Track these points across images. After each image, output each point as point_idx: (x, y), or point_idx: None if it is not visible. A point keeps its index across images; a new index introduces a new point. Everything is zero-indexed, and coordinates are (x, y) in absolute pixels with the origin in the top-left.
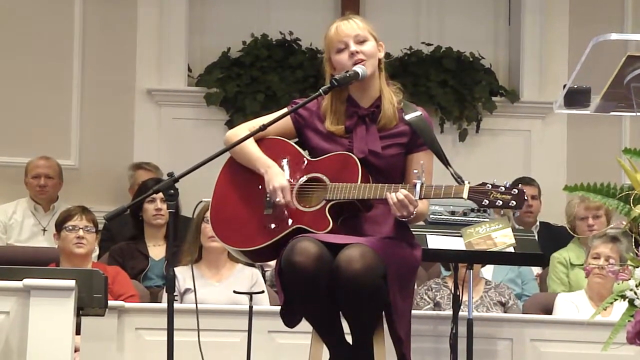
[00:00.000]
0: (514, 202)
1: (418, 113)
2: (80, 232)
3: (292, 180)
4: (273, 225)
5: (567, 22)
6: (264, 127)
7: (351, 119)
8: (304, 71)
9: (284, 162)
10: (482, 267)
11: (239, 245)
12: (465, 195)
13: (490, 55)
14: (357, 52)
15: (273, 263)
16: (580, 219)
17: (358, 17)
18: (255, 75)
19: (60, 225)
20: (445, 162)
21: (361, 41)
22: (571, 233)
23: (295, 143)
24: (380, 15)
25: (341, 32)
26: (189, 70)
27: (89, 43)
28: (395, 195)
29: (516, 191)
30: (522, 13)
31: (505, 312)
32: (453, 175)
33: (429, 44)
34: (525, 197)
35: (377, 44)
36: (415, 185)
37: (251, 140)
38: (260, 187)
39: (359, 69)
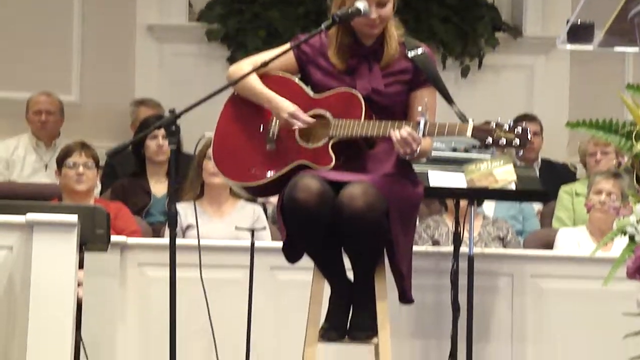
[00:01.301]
0: (518, 141)
1: (421, 50)
2: (80, 169)
3: None
4: (275, 161)
5: None
6: (265, 64)
7: (354, 56)
8: (305, 7)
9: (286, 98)
10: (480, 204)
11: (241, 180)
12: (469, 133)
13: None
14: (375, 20)
15: (275, 199)
16: (590, 155)
17: None
18: (256, 12)
19: (60, 162)
20: (449, 100)
21: (384, 3)
22: (571, 169)
23: (298, 79)
24: None
25: None
26: (190, 5)
27: None
28: (399, 132)
29: (520, 130)
30: None
31: (503, 247)
32: (456, 113)
33: None
34: (529, 137)
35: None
36: (419, 122)
37: (255, 77)
38: (262, 122)
39: (360, 5)
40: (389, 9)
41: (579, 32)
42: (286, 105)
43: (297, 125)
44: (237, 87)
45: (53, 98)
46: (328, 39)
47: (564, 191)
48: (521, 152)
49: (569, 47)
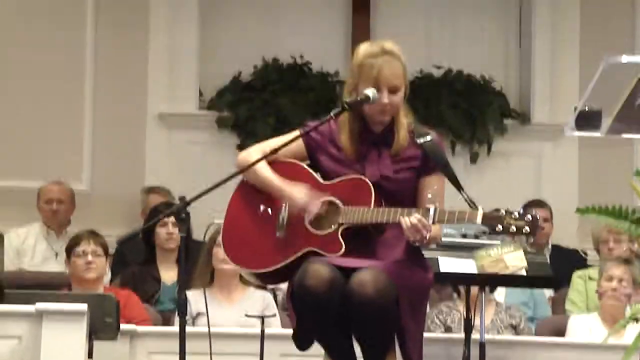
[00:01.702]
0: (528, 229)
1: (430, 136)
2: (89, 257)
3: None
4: (285, 248)
5: (578, 43)
6: (274, 151)
7: (364, 143)
8: (315, 94)
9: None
10: (493, 290)
11: (251, 267)
12: (478, 221)
13: (501, 78)
14: (387, 106)
15: (285, 286)
16: (603, 242)
17: (398, 54)
18: (266, 99)
19: (69, 251)
20: (458, 186)
21: (395, 90)
22: (582, 255)
23: (306, 165)
24: (391, 38)
25: (381, 77)
26: (200, 94)
27: (100, 67)
28: (409, 219)
29: (530, 218)
30: (533, 35)
31: (516, 335)
32: (466, 200)
33: (439, 67)
34: (539, 224)
35: (405, 87)
36: (429, 209)
37: (264, 165)
38: (272, 209)
39: (369, 92)
40: (400, 96)
41: (586, 119)
42: (298, 197)
43: (311, 217)
44: (246, 175)
45: (64, 187)
46: (338, 125)
47: (577, 276)
48: (531, 240)
49: (577, 134)
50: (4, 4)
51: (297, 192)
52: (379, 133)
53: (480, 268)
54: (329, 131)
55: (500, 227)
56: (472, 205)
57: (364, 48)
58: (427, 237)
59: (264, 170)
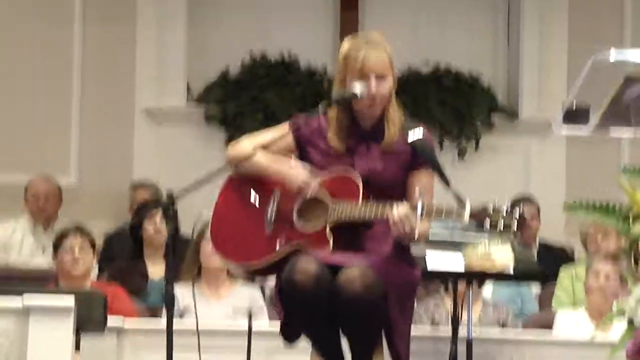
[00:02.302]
0: (515, 226)
1: (419, 132)
2: (76, 252)
3: (291, 200)
4: (273, 243)
5: (566, 39)
6: (264, 147)
7: (353, 137)
8: (303, 90)
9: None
10: (480, 286)
11: (239, 262)
12: (466, 217)
13: (489, 73)
14: (375, 95)
15: (272, 281)
16: (590, 238)
17: (383, 44)
18: (254, 95)
19: (56, 246)
20: (447, 182)
21: (382, 77)
22: (569, 252)
23: (295, 159)
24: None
25: (367, 66)
26: (188, 89)
27: (88, 61)
28: (397, 210)
29: (517, 215)
30: (521, 31)
31: (503, 331)
32: (454, 196)
33: (427, 63)
34: (527, 221)
35: (393, 77)
36: (416, 205)
37: (260, 152)
38: (260, 204)
39: (357, 89)
40: (388, 84)
41: (574, 116)
42: (297, 173)
43: (306, 194)
44: (240, 166)
45: (51, 183)
46: (327, 120)
47: (564, 273)
48: (518, 236)
49: (565, 131)
50: None
51: (296, 170)
52: (369, 128)
53: (468, 264)
54: (318, 126)
55: (487, 224)
56: (460, 201)
57: (348, 41)
58: (414, 232)
59: (262, 157)
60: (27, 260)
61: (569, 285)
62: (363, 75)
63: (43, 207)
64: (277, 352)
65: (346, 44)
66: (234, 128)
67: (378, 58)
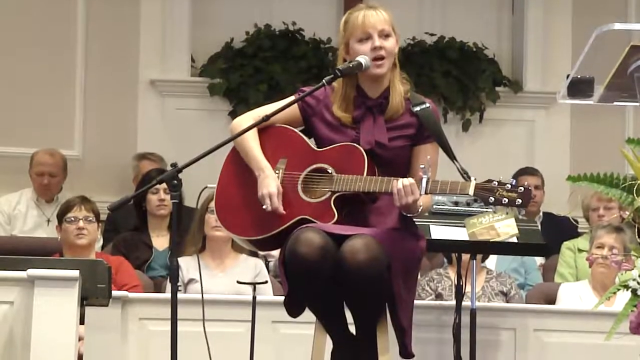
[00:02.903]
0: (520, 200)
1: (426, 105)
2: (81, 223)
3: (296, 172)
4: (278, 215)
5: (571, 12)
6: (267, 118)
7: (359, 109)
8: (307, 61)
9: (290, 151)
10: (485, 259)
11: (243, 234)
12: (471, 192)
13: (493, 46)
14: (380, 48)
15: (277, 253)
16: (593, 210)
17: (383, 7)
18: (258, 66)
19: (61, 217)
20: (452, 156)
21: (385, 35)
22: (573, 222)
23: (301, 131)
24: (384, 4)
25: (368, 22)
26: (192, 60)
27: (92, 34)
28: (402, 181)
29: (522, 189)
30: (526, 3)
31: (507, 302)
32: (459, 170)
33: (432, 34)
34: (531, 195)
35: (396, 39)
36: (421, 179)
37: (253, 135)
38: None
39: (362, 59)
40: (392, 42)
41: (579, 87)
42: (268, 183)
43: (265, 207)
44: (235, 143)
45: (57, 158)
46: (333, 92)
47: (566, 247)
48: (523, 211)
49: (569, 101)
50: None
51: (271, 180)
52: (375, 99)
53: (472, 235)
54: (324, 97)
55: (492, 198)
56: (465, 176)
57: (347, 13)
58: (417, 203)
59: (251, 144)
60: (31, 232)
61: (571, 260)
62: (365, 33)
63: (48, 180)
64: (281, 323)
65: (346, 13)
66: (238, 100)
67: (378, 15)
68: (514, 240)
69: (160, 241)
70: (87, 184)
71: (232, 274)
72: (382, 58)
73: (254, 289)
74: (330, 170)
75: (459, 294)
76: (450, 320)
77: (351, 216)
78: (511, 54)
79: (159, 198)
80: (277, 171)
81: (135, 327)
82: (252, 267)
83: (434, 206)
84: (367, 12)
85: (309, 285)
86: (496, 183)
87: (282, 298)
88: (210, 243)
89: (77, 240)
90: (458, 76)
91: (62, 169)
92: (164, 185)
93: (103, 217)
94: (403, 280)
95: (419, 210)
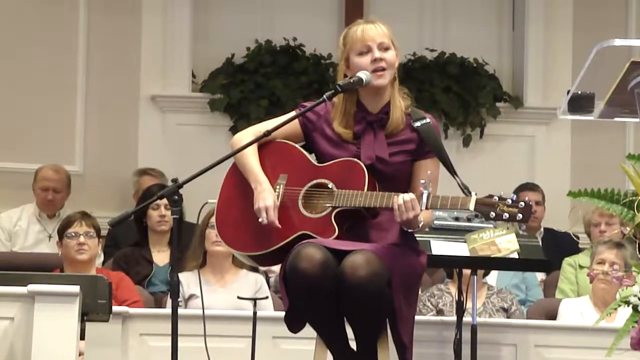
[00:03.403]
0: (521, 216)
1: (426, 120)
2: (81, 238)
3: (297, 187)
4: (278, 230)
5: (571, 28)
6: (268, 133)
7: (359, 124)
8: (308, 77)
9: (290, 167)
10: (486, 275)
11: (244, 249)
12: (472, 207)
13: (494, 61)
14: (380, 59)
15: (277, 268)
16: (594, 225)
17: (381, 21)
18: (259, 81)
19: (61, 232)
20: (452, 172)
21: (385, 48)
22: (574, 238)
23: (302, 147)
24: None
25: (367, 35)
26: (193, 76)
27: (93, 49)
28: (402, 197)
29: (523, 204)
30: (526, 19)
31: (508, 317)
32: (460, 185)
33: (432, 50)
34: (532, 211)
35: (396, 52)
36: (422, 195)
37: (252, 150)
38: None
39: (362, 74)
40: (392, 55)
41: (579, 103)
42: (265, 197)
43: (261, 220)
44: (235, 159)
45: (62, 174)
46: (333, 107)
47: (567, 263)
48: (524, 226)
49: (570, 117)
50: None
51: (268, 194)
52: (375, 114)
53: (472, 251)
54: (324, 112)
55: (493, 213)
56: (466, 191)
57: (347, 27)
58: (418, 218)
59: (250, 159)
60: (32, 247)
61: (572, 276)
62: (364, 46)
63: (53, 196)
64: (282, 339)
65: (345, 31)
66: (239, 115)
67: (377, 29)
68: (515, 256)
69: (161, 257)
70: (87, 199)
71: (232, 290)
72: (382, 69)
73: (255, 305)
74: (330, 185)
75: (460, 310)
76: (451, 336)
77: (352, 231)
78: (512, 70)
79: (160, 214)
80: (277, 187)
81: (136, 342)
82: (252, 282)
83: (435, 221)
84: (365, 26)
85: (309, 300)
86: (497, 198)
87: (282, 313)
88: (210, 258)
89: (77, 255)
90: (458, 92)
91: (67, 185)
92: (165, 200)
93: (104, 232)
94: (404, 296)
95: (420, 225)
